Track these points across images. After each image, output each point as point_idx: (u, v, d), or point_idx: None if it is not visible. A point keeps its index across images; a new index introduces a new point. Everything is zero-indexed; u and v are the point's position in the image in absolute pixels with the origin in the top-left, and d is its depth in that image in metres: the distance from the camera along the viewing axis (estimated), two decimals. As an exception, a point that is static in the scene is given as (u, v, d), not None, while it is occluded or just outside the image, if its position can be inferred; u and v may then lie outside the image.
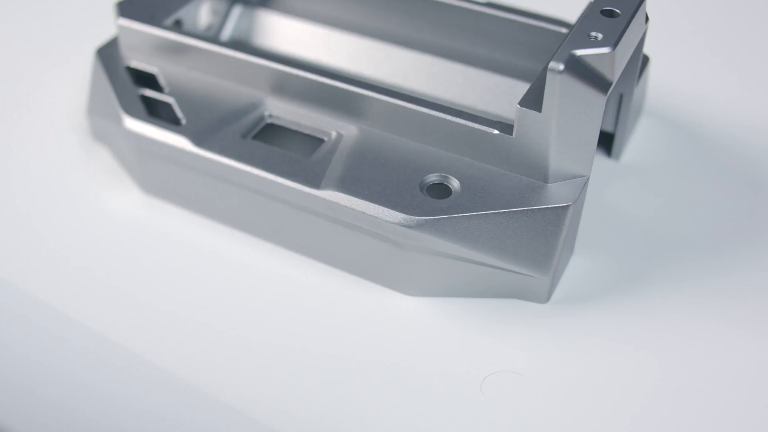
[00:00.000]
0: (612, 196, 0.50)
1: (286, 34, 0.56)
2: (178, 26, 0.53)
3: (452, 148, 0.44)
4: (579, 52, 0.40)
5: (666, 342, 0.43)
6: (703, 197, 0.50)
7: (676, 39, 0.62)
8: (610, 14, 0.42)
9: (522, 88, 0.51)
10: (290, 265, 0.46)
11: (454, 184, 0.43)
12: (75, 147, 0.54)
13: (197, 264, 0.46)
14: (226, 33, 0.57)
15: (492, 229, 0.42)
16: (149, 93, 0.49)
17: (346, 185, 0.43)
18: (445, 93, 0.52)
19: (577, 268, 0.46)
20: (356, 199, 0.42)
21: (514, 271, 0.43)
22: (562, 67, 0.39)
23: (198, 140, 0.46)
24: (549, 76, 0.39)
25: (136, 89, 0.49)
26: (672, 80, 0.58)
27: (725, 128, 0.54)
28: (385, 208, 0.42)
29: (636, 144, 0.53)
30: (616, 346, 0.43)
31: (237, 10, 0.57)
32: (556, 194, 0.42)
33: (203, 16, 0.55)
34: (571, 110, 0.40)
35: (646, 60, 0.52)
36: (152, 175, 0.49)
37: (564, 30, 0.50)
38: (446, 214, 0.42)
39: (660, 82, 0.57)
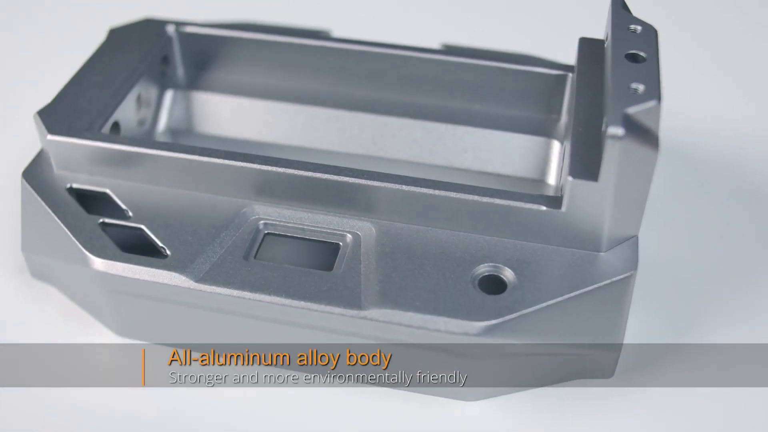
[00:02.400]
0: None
1: (228, 113, 0.49)
2: (116, 130, 0.45)
3: (490, 231, 0.40)
4: (631, 111, 0.36)
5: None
6: (715, 221, 0.48)
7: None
8: (635, 59, 0.39)
9: (516, 138, 0.47)
10: (328, 392, 0.40)
11: (508, 274, 0.38)
12: (12, 289, 0.44)
13: (223, 407, 0.39)
14: (161, 124, 0.49)
15: (559, 316, 0.38)
16: (111, 221, 0.41)
17: (392, 299, 0.37)
18: (439, 159, 0.47)
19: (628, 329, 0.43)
20: (409, 314, 0.37)
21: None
22: (623, 132, 0.35)
23: (195, 274, 0.38)
24: (609, 142, 0.35)
25: (93, 219, 0.41)
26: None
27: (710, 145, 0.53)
28: (445, 318, 0.37)
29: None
30: (693, 404, 0.40)
31: (168, 97, 0.49)
32: (616, 264, 0.39)
33: (135, 111, 0.47)
34: (627, 173, 0.37)
35: None
36: (132, 317, 0.41)
37: (538, 69, 0.46)
38: (512, 313, 0.37)
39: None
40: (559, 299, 0.37)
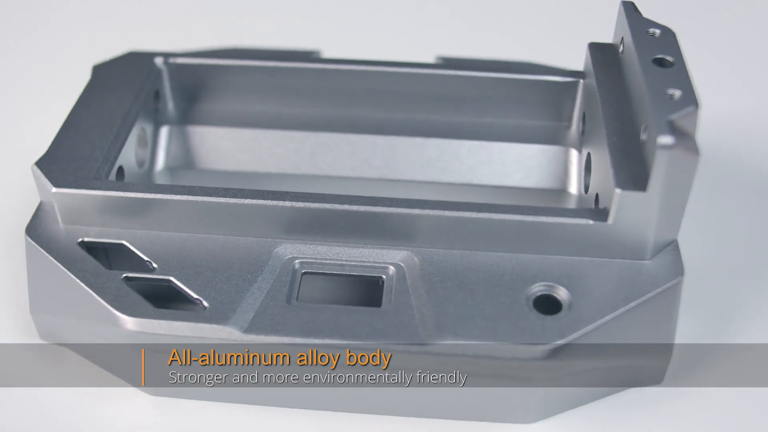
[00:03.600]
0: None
1: (229, 146, 0.47)
2: (121, 175, 0.42)
3: (534, 249, 0.39)
4: (674, 117, 0.36)
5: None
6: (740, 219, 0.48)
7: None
8: (662, 63, 0.39)
9: (531, 149, 0.46)
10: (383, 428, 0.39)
11: (562, 293, 0.38)
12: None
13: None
14: (159, 163, 0.46)
15: (617, 329, 0.37)
16: (135, 275, 0.38)
17: (451, 330, 0.36)
18: (455, 176, 0.46)
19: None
20: (471, 344, 0.36)
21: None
22: (672, 140, 0.35)
23: (240, 324, 0.36)
24: (660, 152, 0.35)
25: (115, 274, 0.38)
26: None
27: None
28: (508, 345, 0.36)
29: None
30: (741, 403, 0.40)
31: (164, 133, 0.46)
32: (663, 271, 0.38)
33: (135, 152, 0.44)
34: (673, 180, 0.36)
35: None
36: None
37: (547, 77, 0.46)
38: (574, 332, 0.36)
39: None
40: (617, 313, 0.37)
